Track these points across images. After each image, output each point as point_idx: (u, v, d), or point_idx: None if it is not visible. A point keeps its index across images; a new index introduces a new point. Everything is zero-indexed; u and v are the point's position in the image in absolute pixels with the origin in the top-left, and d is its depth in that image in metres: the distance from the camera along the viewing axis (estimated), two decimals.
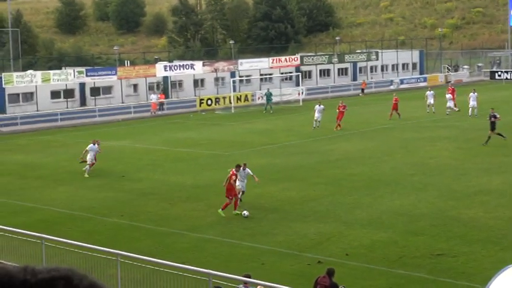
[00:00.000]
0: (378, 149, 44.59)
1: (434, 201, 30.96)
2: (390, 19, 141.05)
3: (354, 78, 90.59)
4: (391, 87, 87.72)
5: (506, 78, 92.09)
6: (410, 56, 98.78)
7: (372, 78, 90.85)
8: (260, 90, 78.66)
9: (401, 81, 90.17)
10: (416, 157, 41.44)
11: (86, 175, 38.87)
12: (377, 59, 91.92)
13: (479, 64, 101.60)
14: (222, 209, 29.49)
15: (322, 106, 54.94)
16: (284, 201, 32.15)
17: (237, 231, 27.77)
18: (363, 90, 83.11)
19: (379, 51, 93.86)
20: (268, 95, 69.30)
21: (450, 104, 59.97)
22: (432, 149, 43.41)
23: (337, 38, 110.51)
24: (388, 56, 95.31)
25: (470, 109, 57.83)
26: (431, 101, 60.97)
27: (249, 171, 31.17)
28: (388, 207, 30.42)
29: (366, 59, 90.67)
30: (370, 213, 29.57)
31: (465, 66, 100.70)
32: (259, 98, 75.57)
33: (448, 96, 60.32)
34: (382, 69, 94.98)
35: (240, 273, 18.93)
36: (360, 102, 73.18)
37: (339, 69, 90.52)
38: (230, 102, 72.03)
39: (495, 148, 42.98)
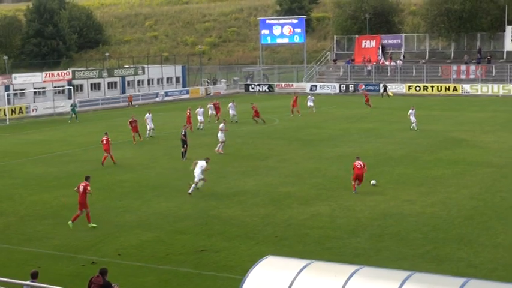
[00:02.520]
0: (145, 157, 44.68)
1: (197, 202, 31.50)
2: (155, 37, 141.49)
3: (123, 91, 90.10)
4: (157, 99, 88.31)
5: (259, 91, 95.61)
6: (174, 70, 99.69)
7: (139, 91, 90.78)
8: (34, 102, 77.06)
9: (166, 94, 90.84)
10: (180, 163, 41.91)
11: None
12: (143, 74, 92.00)
13: (235, 78, 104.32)
14: (72, 221, 27.94)
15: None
16: (59, 207, 31.41)
17: (14, 237, 26.77)
18: (130, 102, 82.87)
19: (146, 66, 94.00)
20: (74, 106, 68.69)
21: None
22: (194, 155, 43.99)
23: (106, 54, 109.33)
24: (154, 71, 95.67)
25: (231, 117, 60.45)
26: (213, 112, 62.05)
27: None
28: (155, 209, 30.57)
29: (133, 74, 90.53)
30: (139, 215, 29.58)
31: (223, 80, 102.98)
32: (33, 111, 73.91)
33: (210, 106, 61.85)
34: (149, 83, 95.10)
35: (18, 278, 18.29)
36: (129, 113, 72.83)
37: (108, 83, 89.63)
38: (5, 115, 69.32)
39: (250, 153, 44.49)
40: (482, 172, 37.08)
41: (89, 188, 27.98)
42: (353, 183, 32.95)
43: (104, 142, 42.85)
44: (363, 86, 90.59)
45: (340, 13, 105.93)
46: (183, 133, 43.83)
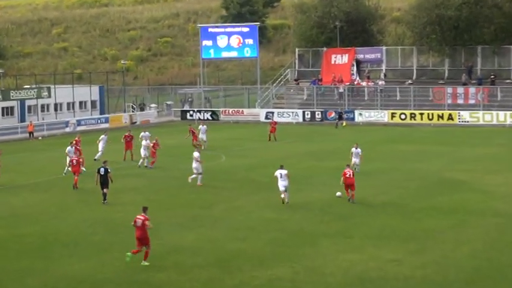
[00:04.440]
0: (53, 203, 44.25)
1: (120, 264, 31.20)
2: (64, 49, 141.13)
3: (22, 119, 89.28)
4: (67, 129, 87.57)
5: (199, 118, 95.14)
6: (89, 92, 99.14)
7: (43, 119, 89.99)
8: None
9: (79, 123, 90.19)
10: (98, 212, 41.59)
11: None
12: (49, 96, 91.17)
13: (169, 102, 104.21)
14: (145, 259, 30.75)
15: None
16: None
17: None
18: (31, 133, 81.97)
19: (52, 86, 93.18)
20: None
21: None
22: (117, 202, 43.76)
23: (0, 71, 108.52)
24: (63, 93, 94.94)
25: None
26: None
27: None
28: (66, 272, 30.21)
29: (35, 96, 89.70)
30: (45, 280, 29.20)
31: (153, 105, 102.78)
32: None
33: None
34: (56, 109, 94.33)
35: None
36: (30, 148, 72.35)
37: (3, 108, 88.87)
38: None
39: (189, 200, 44.37)
40: (487, 223, 37.51)
41: (147, 222, 30.83)
42: (346, 191, 42.58)
43: (74, 163, 48.68)
44: (333, 114, 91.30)
45: (304, 20, 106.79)
46: (102, 171, 43.66)
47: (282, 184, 42.07)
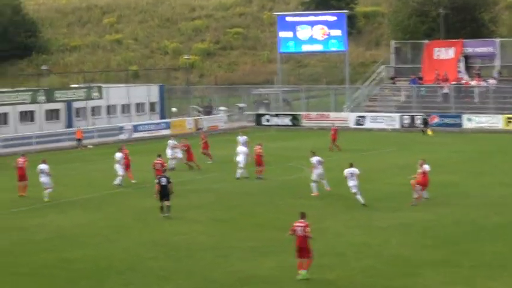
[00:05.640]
0: (107, 224, 44.68)
1: None
2: (118, 41, 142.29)
3: (69, 124, 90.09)
4: (122, 136, 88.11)
5: (277, 124, 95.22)
6: (147, 92, 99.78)
7: (94, 124, 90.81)
8: None
9: (136, 128, 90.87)
10: (158, 234, 41.88)
11: None
12: (101, 97, 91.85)
13: (241, 105, 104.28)
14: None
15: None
16: None
17: None
18: (79, 141, 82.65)
19: (104, 85, 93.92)
20: None
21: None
22: (179, 222, 44.05)
23: (44, 68, 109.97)
24: (117, 93, 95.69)
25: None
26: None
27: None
28: None
29: (85, 97, 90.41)
30: None
31: (222, 108, 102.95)
32: None
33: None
34: (109, 112, 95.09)
35: None
36: (78, 157, 73.13)
37: (47, 110, 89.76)
38: None
39: (266, 220, 44.46)
40: None
41: (308, 228, 32.33)
42: (415, 196, 46.33)
43: (158, 167, 52.25)
44: (436, 119, 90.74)
45: (401, 7, 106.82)
46: (164, 181, 44.83)
47: (351, 184, 46.95)
